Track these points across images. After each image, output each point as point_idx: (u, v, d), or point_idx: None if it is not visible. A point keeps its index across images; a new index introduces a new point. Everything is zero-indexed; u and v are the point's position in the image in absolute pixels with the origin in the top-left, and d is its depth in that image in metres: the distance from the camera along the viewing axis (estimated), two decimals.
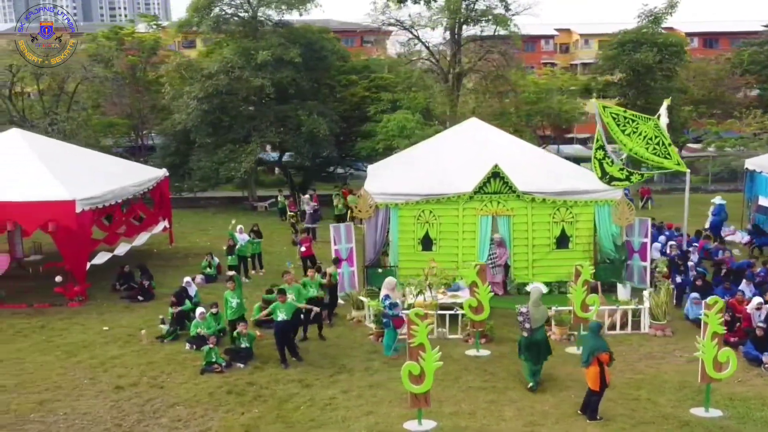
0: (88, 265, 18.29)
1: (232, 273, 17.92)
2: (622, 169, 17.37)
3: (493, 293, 14.48)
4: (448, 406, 11.31)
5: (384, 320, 13.81)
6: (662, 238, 20.86)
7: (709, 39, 63.66)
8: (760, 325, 13.35)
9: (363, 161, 40.73)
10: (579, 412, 10.88)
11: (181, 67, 32.49)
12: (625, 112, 17.32)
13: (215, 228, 29.63)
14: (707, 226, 23.72)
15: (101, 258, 19.30)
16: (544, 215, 17.71)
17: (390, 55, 46.65)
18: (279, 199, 31.01)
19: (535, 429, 10.55)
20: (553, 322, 14.52)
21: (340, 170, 42.11)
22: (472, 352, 13.80)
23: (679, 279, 16.76)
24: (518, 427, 10.63)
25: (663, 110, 17.34)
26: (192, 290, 16.75)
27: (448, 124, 34.05)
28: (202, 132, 31.49)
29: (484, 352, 13.81)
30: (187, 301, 16.01)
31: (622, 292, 16.93)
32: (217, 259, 20.37)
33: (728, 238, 23.20)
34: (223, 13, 33.12)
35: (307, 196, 27.22)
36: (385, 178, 18.51)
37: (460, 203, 17.61)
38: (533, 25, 43.98)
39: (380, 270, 17.79)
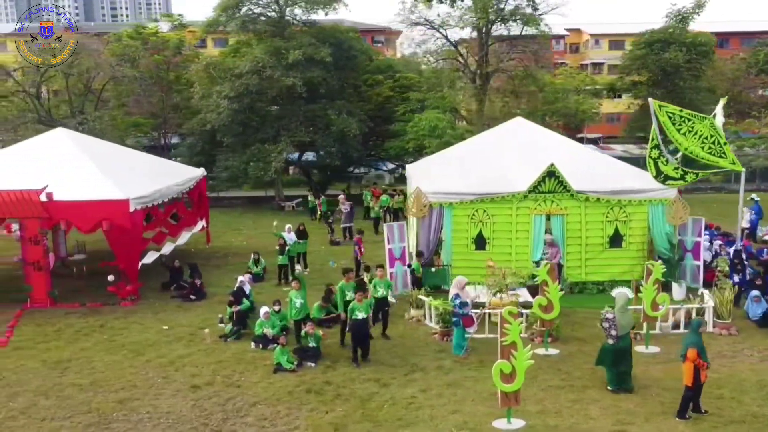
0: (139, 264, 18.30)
1: (297, 271, 17.96)
2: (676, 168, 17.31)
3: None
4: (532, 405, 11.29)
5: (454, 319, 13.79)
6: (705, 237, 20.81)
7: (720, 39, 63.79)
8: None
9: (385, 161, 40.86)
10: (690, 412, 10.74)
11: (210, 66, 32.43)
12: (681, 111, 17.26)
13: (246, 227, 29.67)
14: (746, 225, 23.64)
15: (150, 257, 19.30)
16: (597, 214, 17.71)
17: (403, 54, 46.74)
18: (309, 198, 30.98)
19: (626, 428, 10.54)
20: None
21: (359, 170, 42.19)
22: (541, 351, 13.76)
23: (736, 278, 16.74)
24: (608, 425, 10.62)
25: (719, 109, 17.28)
26: (247, 289, 16.76)
27: (476, 124, 34.14)
28: (232, 131, 31.47)
29: (553, 351, 13.80)
30: (245, 300, 16.01)
31: (678, 291, 16.97)
32: (263, 260, 20.36)
33: (766, 237, 23.21)
34: (251, 12, 33.13)
35: (342, 196, 27.18)
36: (437, 178, 18.46)
37: (514, 202, 17.60)
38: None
39: (433, 269, 17.80)
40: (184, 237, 22.24)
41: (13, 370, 13.25)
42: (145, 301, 17.90)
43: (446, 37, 33.82)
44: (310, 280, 19.97)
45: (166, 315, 16.80)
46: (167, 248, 20.66)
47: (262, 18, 33.40)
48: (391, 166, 42.64)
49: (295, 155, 38.75)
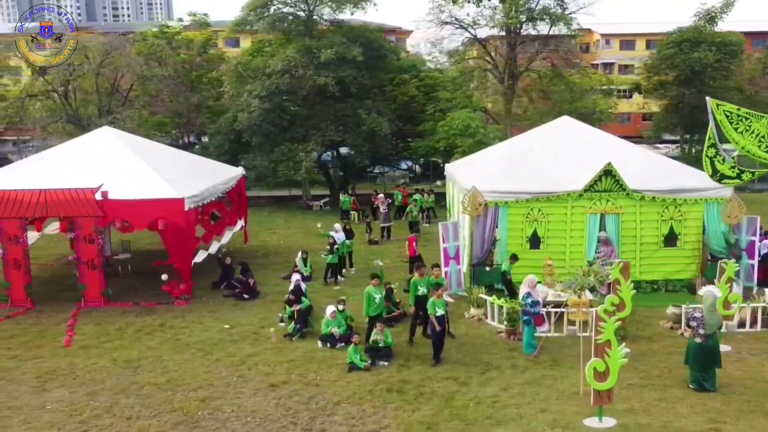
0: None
1: (379, 265, 18.06)
2: (733, 167, 17.29)
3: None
4: (619, 404, 11.22)
5: (524, 318, 13.76)
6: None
7: None
8: None
9: (401, 161, 40.87)
10: None
11: (239, 65, 32.42)
12: (738, 110, 17.19)
13: (278, 227, 29.66)
14: None
15: (200, 256, 19.27)
16: (652, 213, 17.70)
17: (416, 53, 46.62)
18: (342, 198, 30.91)
19: (719, 426, 10.50)
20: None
21: (380, 170, 42.22)
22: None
23: None
24: (701, 423, 10.59)
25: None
26: (303, 287, 16.72)
27: (504, 124, 34.15)
28: (263, 131, 31.43)
29: (626, 350, 13.72)
30: (304, 299, 15.97)
31: (735, 289, 16.89)
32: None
33: None
34: (279, 11, 33.11)
35: (381, 195, 27.14)
36: (490, 177, 18.39)
37: (570, 201, 17.58)
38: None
39: (487, 268, 17.77)
40: (227, 236, 22.21)
41: (86, 369, 13.22)
42: (198, 300, 17.88)
43: (475, 37, 33.81)
44: (358, 279, 20.06)
45: (223, 314, 16.78)
46: (213, 247, 20.62)
47: (290, 17, 33.38)
48: (405, 165, 42.74)
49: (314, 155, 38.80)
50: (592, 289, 14.34)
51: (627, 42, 66.79)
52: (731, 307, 13.88)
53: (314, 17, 33.34)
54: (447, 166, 24.46)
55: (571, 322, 14.61)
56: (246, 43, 52.52)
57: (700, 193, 17.62)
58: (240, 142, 33.77)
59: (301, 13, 33.07)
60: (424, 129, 33.05)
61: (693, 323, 11.68)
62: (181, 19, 40.23)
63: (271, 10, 32.85)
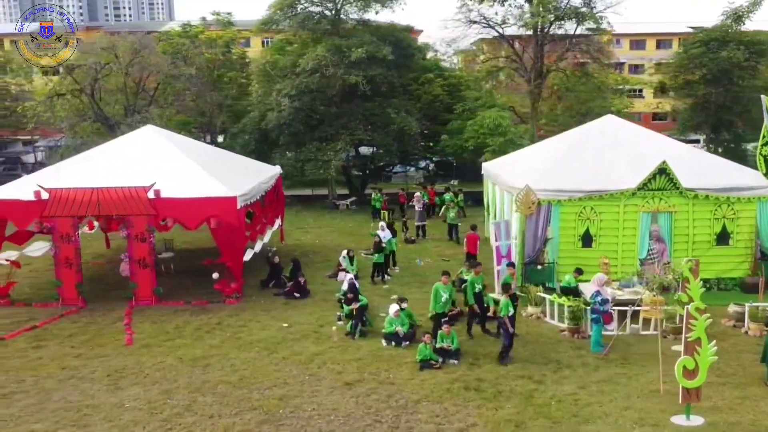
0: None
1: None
2: None
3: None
4: (701, 402, 11.19)
5: (593, 316, 13.73)
6: None
7: None
8: None
9: (419, 160, 40.75)
10: None
11: (267, 64, 32.38)
12: None
13: (310, 226, 29.58)
14: None
15: (248, 255, 19.20)
16: (705, 212, 17.66)
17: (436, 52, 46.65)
18: (374, 196, 30.78)
19: None
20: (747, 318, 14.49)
21: (400, 170, 42.12)
22: (677, 347, 13.66)
23: None
24: None
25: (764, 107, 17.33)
26: (358, 285, 16.70)
27: (531, 123, 34.12)
28: (292, 129, 31.36)
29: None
30: (361, 297, 15.93)
31: None
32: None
33: None
34: (307, 10, 33.06)
35: (418, 194, 27.07)
36: (541, 175, 18.34)
37: (622, 200, 17.54)
38: None
39: (539, 267, 17.74)
40: (268, 234, 22.17)
41: (155, 367, 13.18)
42: (248, 299, 17.83)
43: (503, 36, 33.78)
44: (403, 278, 20.05)
45: (278, 313, 16.72)
46: (258, 246, 20.56)
47: (317, 16, 33.32)
48: (422, 164, 42.62)
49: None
50: (665, 288, 14.28)
51: (637, 42, 66.75)
52: None
53: (341, 16, 33.28)
54: (484, 165, 24.41)
55: (635, 321, 14.58)
56: (256, 42, 52.64)
57: (753, 191, 17.58)
58: (266, 141, 33.71)
59: (328, 12, 33.01)
60: (452, 128, 33.00)
61: None
62: (204, 18, 40.15)
63: (298, 8, 32.77)
